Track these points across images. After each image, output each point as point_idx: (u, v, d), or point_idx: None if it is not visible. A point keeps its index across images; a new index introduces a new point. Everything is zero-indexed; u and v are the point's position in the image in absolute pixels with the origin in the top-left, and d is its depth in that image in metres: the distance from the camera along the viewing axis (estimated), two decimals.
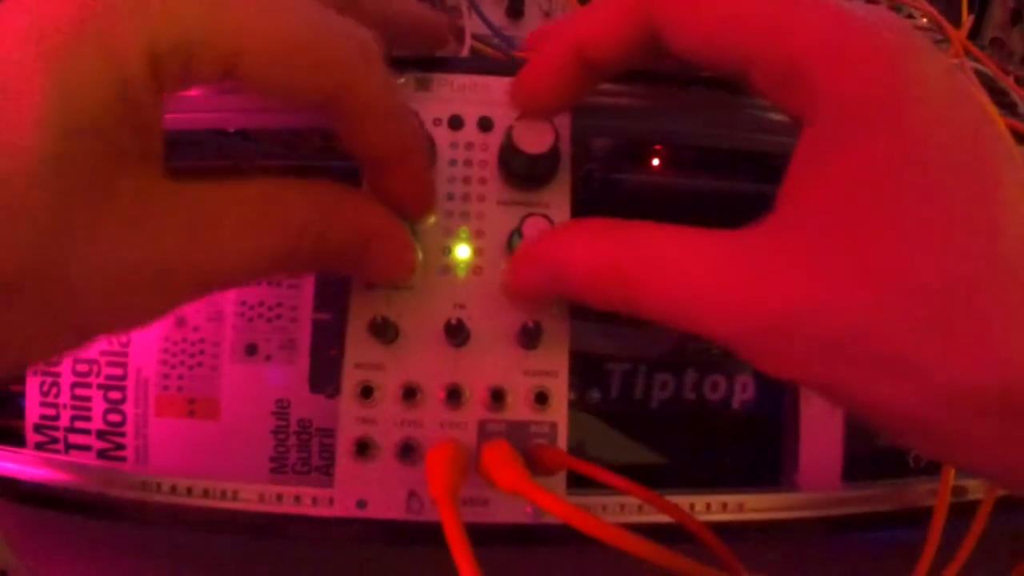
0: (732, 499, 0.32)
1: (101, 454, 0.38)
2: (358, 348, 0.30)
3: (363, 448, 0.30)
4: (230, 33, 0.22)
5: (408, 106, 0.28)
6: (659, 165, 0.38)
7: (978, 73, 0.53)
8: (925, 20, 0.65)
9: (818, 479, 0.37)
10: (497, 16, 0.57)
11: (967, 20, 0.64)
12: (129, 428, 0.38)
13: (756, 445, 0.40)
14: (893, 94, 0.22)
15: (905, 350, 0.21)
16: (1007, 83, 0.53)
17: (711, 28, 0.25)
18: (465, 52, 0.50)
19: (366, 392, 0.30)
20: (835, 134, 0.22)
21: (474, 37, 0.52)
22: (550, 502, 0.23)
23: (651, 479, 0.32)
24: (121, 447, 0.38)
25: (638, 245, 0.25)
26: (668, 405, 0.41)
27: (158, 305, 0.24)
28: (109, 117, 0.21)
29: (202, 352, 0.38)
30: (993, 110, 0.22)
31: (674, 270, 0.24)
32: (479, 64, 0.35)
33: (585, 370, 0.40)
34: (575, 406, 0.31)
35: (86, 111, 0.20)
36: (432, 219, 0.31)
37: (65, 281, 0.21)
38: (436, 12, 0.34)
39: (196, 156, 0.35)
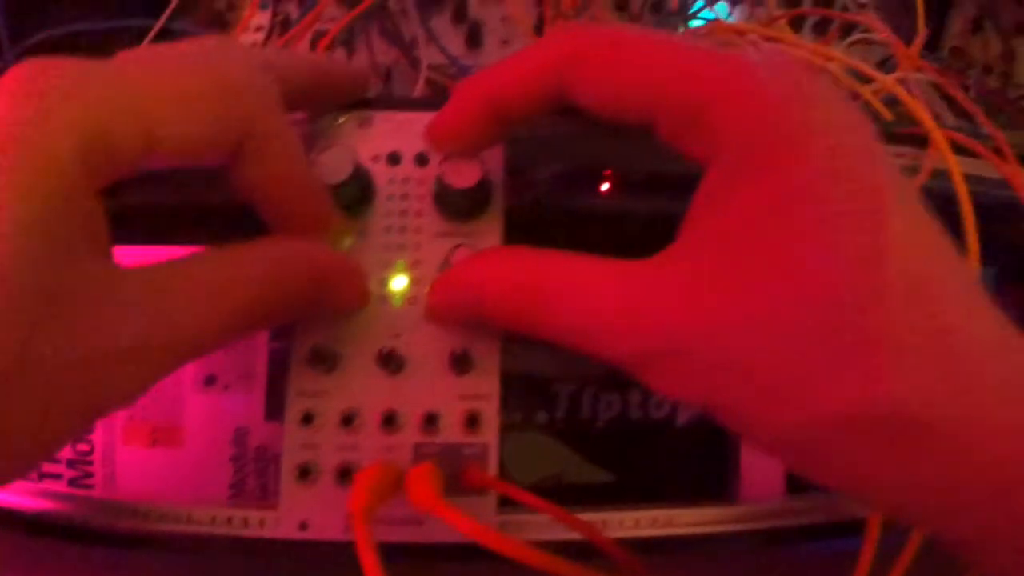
0: (661, 514, 0.34)
1: (72, 482, 0.39)
2: (300, 376, 0.32)
3: (305, 472, 0.31)
4: (141, 105, 0.25)
5: (299, 147, 0.30)
6: (598, 191, 0.40)
7: (932, 87, 0.55)
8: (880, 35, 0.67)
9: (760, 492, 0.38)
10: (456, 45, 0.59)
11: (920, 35, 0.65)
12: (97, 456, 0.40)
13: (702, 460, 0.41)
14: (782, 137, 0.23)
15: (787, 376, 0.22)
16: (958, 96, 0.54)
17: (620, 88, 0.26)
18: (420, 82, 0.52)
19: (307, 418, 0.31)
20: (730, 174, 0.24)
21: (432, 67, 0.54)
22: (456, 519, 0.24)
23: (602, 496, 0.33)
24: (90, 475, 0.39)
25: (547, 273, 0.26)
26: (615, 424, 0.42)
27: (141, 381, 0.25)
28: (56, 215, 0.23)
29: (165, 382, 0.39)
30: (883, 149, 0.24)
31: (577, 296, 0.25)
32: (416, 101, 0.37)
33: (533, 392, 0.41)
34: (523, 427, 0.32)
35: (37, 215, 0.22)
36: (349, 241, 0.32)
37: (53, 365, 0.22)
38: (353, 64, 0.36)
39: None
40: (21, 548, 0.39)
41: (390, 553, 0.25)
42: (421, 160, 0.34)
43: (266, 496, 0.39)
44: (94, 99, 0.24)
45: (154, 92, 0.25)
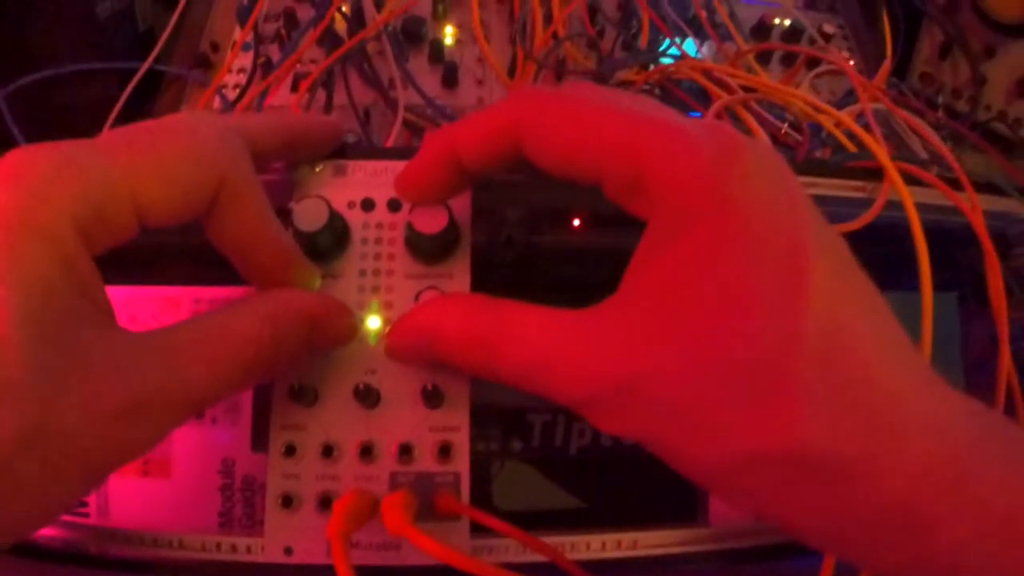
0: (627, 536, 0.36)
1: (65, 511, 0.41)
2: (282, 411, 0.34)
3: (288, 501, 0.33)
4: (130, 179, 0.27)
5: (265, 201, 0.32)
6: (559, 232, 0.42)
7: (896, 119, 0.56)
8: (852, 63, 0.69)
9: (728, 513, 0.39)
10: (432, 86, 0.61)
11: (885, 66, 0.67)
12: None
13: (672, 484, 0.43)
14: (709, 199, 0.25)
15: (710, 416, 0.24)
16: (920, 130, 0.56)
17: (564, 146, 0.28)
18: (397, 123, 0.54)
19: (290, 450, 0.33)
20: (663, 232, 0.26)
21: (409, 108, 0.56)
22: (424, 543, 0.26)
23: (575, 521, 0.35)
24: (84, 504, 0.41)
25: (500, 321, 0.28)
26: (586, 451, 0.44)
27: (147, 437, 0.27)
28: (60, 287, 0.25)
29: None
30: (811, 208, 0.26)
31: (528, 343, 0.27)
32: (389, 150, 0.39)
33: (508, 421, 0.43)
34: (499, 455, 0.34)
35: (40, 287, 0.24)
36: (317, 283, 0.34)
37: (63, 431, 0.24)
38: (322, 116, 0.38)
39: None
40: (21, 573, 0.40)
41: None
42: (393, 206, 0.36)
43: (253, 524, 0.40)
44: (85, 179, 0.26)
45: (137, 166, 0.28)
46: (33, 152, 0.26)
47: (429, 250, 0.35)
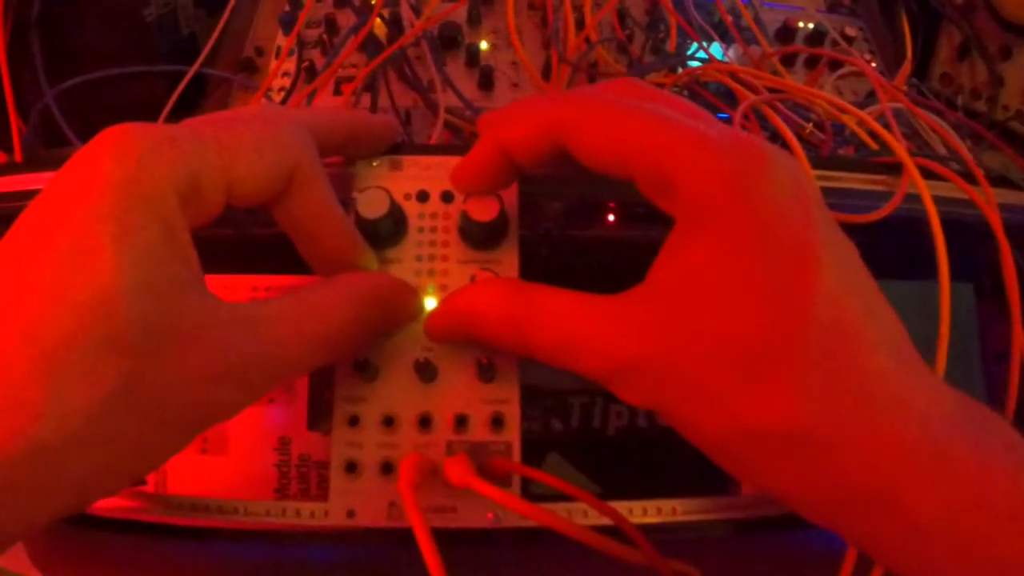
0: (666, 504, 0.38)
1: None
2: (345, 385, 0.36)
3: (351, 467, 0.35)
4: (220, 153, 0.30)
5: (331, 189, 0.35)
6: (598, 222, 0.44)
7: (915, 118, 0.58)
8: (874, 64, 0.70)
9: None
10: (469, 89, 0.63)
11: (905, 67, 0.69)
12: None
13: (705, 461, 0.45)
14: (732, 204, 0.27)
15: (717, 393, 0.27)
16: (938, 129, 0.58)
17: (602, 147, 0.30)
18: (439, 124, 0.56)
19: (353, 421, 0.36)
20: (689, 232, 0.28)
21: (448, 110, 0.58)
22: (492, 491, 0.29)
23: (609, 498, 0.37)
24: (143, 482, 0.44)
25: (533, 303, 0.31)
26: (624, 432, 0.46)
27: (239, 399, 0.30)
28: (162, 253, 0.27)
29: None
30: (825, 215, 0.28)
31: (557, 323, 0.30)
32: (441, 147, 0.41)
33: (549, 403, 0.45)
34: (541, 438, 0.36)
35: (144, 251, 0.26)
36: (375, 266, 0.37)
37: (164, 388, 0.26)
38: (382, 115, 0.41)
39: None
40: (83, 542, 0.43)
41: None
42: (446, 197, 0.39)
43: (309, 499, 0.43)
44: (185, 153, 0.28)
45: (228, 146, 0.30)
46: (133, 127, 0.28)
47: (481, 237, 0.37)
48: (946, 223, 0.42)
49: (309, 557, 0.39)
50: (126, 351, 0.25)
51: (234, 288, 0.45)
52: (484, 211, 0.36)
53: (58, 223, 0.26)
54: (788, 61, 0.70)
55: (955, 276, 0.41)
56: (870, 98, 0.66)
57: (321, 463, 0.44)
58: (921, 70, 0.78)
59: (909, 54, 0.71)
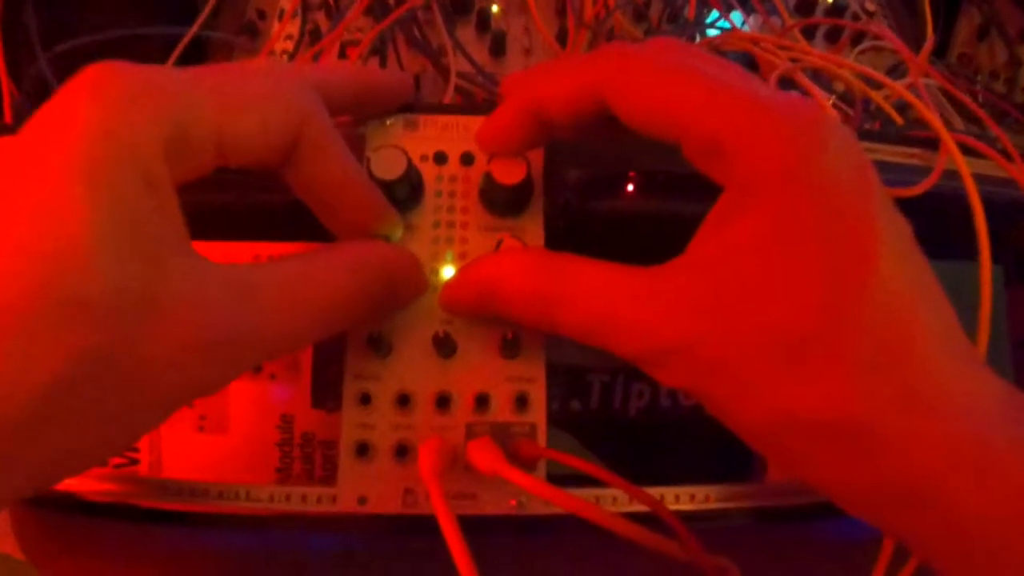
0: (699, 490, 0.36)
1: (117, 467, 0.41)
2: (356, 361, 0.34)
3: (363, 450, 0.33)
4: (211, 103, 0.27)
5: (347, 147, 0.32)
6: (625, 192, 0.42)
7: (940, 92, 0.56)
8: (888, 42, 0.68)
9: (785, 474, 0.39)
10: (480, 54, 0.61)
11: (928, 42, 0.67)
12: (144, 443, 0.41)
13: (729, 445, 0.43)
14: (788, 177, 0.26)
15: (763, 378, 0.25)
16: (965, 101, 0.56)
17: (649, 107, 0.28)
18: (450, 89, 0.53)
19: (364, 400, 0.33)
20: (738, 201, 0.27)
21: (459, 75, 0.56)
22: (522, 479, 0.26)
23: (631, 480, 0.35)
24: (136, 461, 0.41)
25: (562, 275, 0.29)
26: (645, 412, 0.44)
27: (223, 374, 0.27)
28: (142, 207, 0.24)
29: None
30: (884, 194, 0.26)
31: (590, 299, 0.28)
32: (460, 106, 0.39)
33: (568, 381, 0.43)
34: (558, 418, 0.34)
35: (122, 205, 0.23)
36: (399, 234, 0.34)
37: (138, 362, 0.23)
38: (394, 71, 0.38)
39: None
40: (74, 528, 0.40)
41: None
42: (466, 159, 0.36)
43: (312, 481, 0.41)
44: (171, 98, 0.25)
45: (224, 96, 0.27)
46: (118, 66, 0.25)
47: (505, 202, 0.35)
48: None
49: (315, 545, 0.36)
50: (98, 316, 0.22)
51: (236, 256, 0.42)
52: (510, 173, 0.33)
53: (27, 170, 0.23)
54: (807, 35, 0.69)
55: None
56: (889, 75, 0.65)
57: (326, 442, 0.41)
58: (940, 50, 0.76)
59: (930, 31, 0.69)
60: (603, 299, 0.28)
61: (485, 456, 0.29)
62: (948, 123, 0.55)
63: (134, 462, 0.41)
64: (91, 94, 0.24)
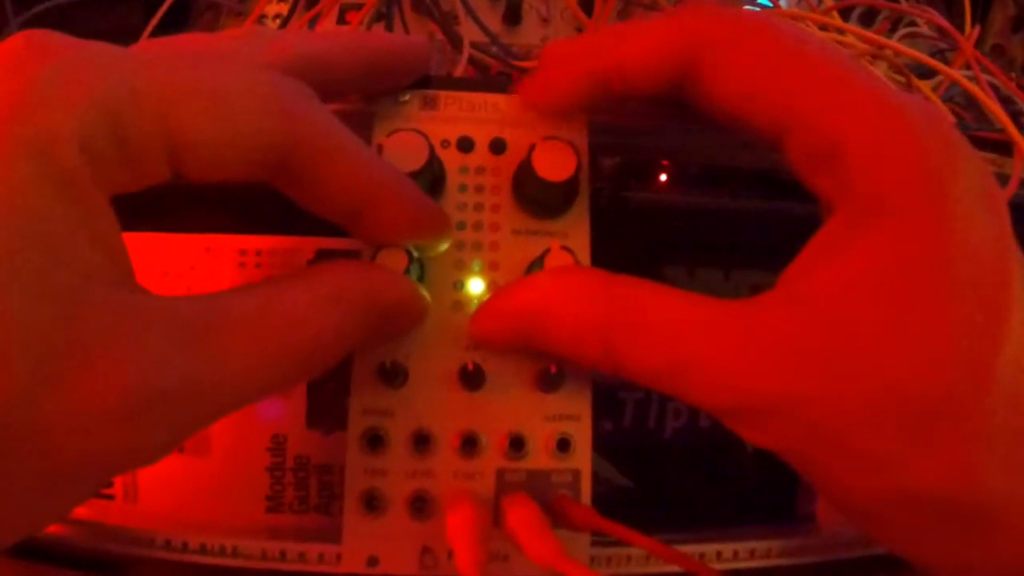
0: (743, 547, 0.32)
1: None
2: (365, 392, 0.28)
3: (371, 501, 0.28)
4: (159, 95, 0.21)
5: (361, 143, 0.26)
6: (667, 183, 0.37)
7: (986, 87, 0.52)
8: (927, 28, 0.65)
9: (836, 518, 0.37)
10: (494, 22, 0.56)
11: (974, 29, 0.63)
12: None
13: (773, 472, 0.38)
14: (929, 199, 0.22)
15: (878, 449, 0.22)
16: (1012, 91, 0.52)
17: (752, 92, 0.24)
18: (463, 60, 0.48)
19: (374, 441, 0.28)
20: (858, 226, 0.23)
21: (472, 45, 0.50)
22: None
23: (666, 507, 0.30)
24: (109, 484, 0.37)
25: (628, 307, 0.25)
26: (682, 434, 0.40)
27: (164, 440, 0.21)
28: (55, 222, 0.19)
29: None
30: (1011, 232, 0.23)
31: (664, 339, 0.24)
32: (488, 81, 0.33)
33: (598, 399, 0.39)
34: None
35: (26, 218, 0.18)
36: (445, 245, 0.29)
37: (45, 432, 0.18)
38: (408, 37, 0.33)
39: None
40: None
41: None
42: (496, 147, 0.31)
43: (306, 510, 0.36)
44: (106, 82, 0.20)
45: (179, 89, 0.21)
46: (41, 36, 0.21)
47: (546, 201, 0.29)
48: None
49: None
50: (11, 374, 0.17)
51: (217, 250, 0.37)
52: (558, 167, 0.28)
53: None
54: (842, 16, 0.64)
55: None
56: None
57: (322, 466, 0.36)
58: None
59: (968, 19, 0.66)
60: (681, 340, 0.24)
61: (538, 544, 0.24)
62: (984, 118, 0.51)
63: (107, 484, 0.37)
64: (6, 70, 0.20)
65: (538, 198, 0.29)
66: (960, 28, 0.64)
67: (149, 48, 0.24)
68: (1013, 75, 0.70)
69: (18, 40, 0.20)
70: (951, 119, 0.23)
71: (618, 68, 0.26)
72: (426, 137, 0.28)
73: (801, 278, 0.24)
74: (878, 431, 0.22)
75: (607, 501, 0.32)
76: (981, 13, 0.73)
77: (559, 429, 0.28)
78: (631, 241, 0.36)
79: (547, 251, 0.28)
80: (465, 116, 0.31)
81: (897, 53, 0.48)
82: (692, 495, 0.41)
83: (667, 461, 0.41)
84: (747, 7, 0.28)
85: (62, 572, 0.32)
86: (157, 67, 0.21)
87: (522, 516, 0.25)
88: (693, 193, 0.39)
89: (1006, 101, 0.55)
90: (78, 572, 0.32)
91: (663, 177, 0.39)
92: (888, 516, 0.23)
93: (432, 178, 0.29)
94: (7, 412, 0.18)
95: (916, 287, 0.22)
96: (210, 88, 0.22)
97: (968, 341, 0.22)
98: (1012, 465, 0.22)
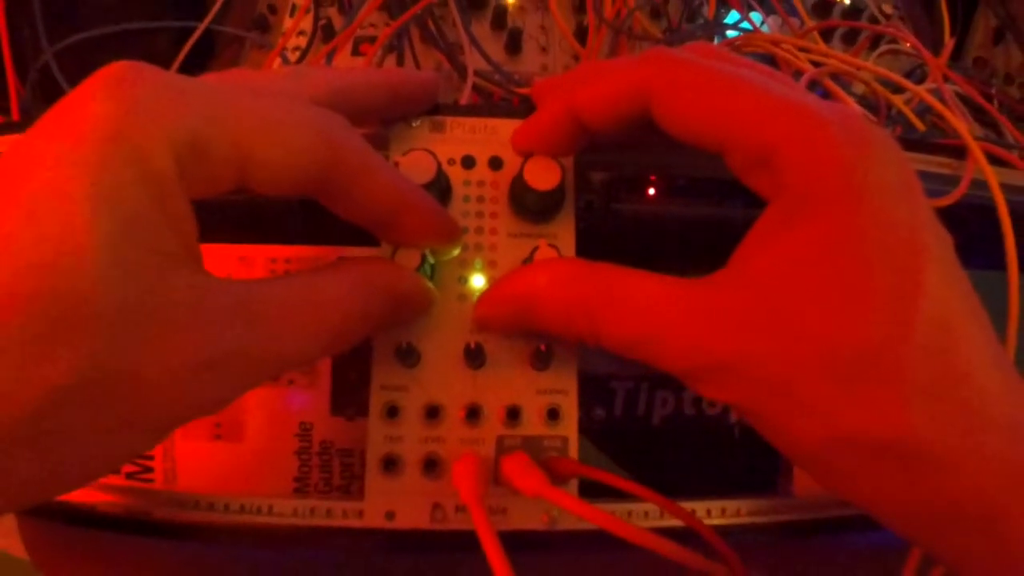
0: (731, 504, 0.35)
1: (130, 476, 0.40)
2: (383, 371, 0.33)
3: (390, 464, 0.32)
4: (233, 122, 0.25)
5: (387, 161, 0.30)
6: (651, 195, 0.41)
7: (959, 96, 0.56)
8: (908, 45, 0.68)
9: (811, 483, 0.39)
10: (496, 51, 0.60)
11: (947, 46, 0.67)
12: (157, 451, 0.40)
13: (753, 454, 0.42)
14: (840, 188, 0.25)
15: (815, 398, 0.25)
16: (986, 107, 0.56)
17: (696, 115, 0.28)
18: (468, 87, 0.53)
19: (392, 412, 0.32)
20: (789, 215, 0.26)
21: (476, 73, 0.55)
22: (571, 502, 0.25)
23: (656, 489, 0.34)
24: (149, 469, 0.40)
25: (606, 287, 0.28)
26: (669, 420, 0.43)
27: (223, 394, 0.26)
28: (149, 215, 0.23)
29: None
30: (929, 209, 0.26)
31: (636, 312, 0.28)
32: (488, 107, 0.38)
33: (591, 388, 0.42)
34: (581, 426, 0.34)
35: (128, 210, 0.22)
36: (457, 251, 0.34)
37: (135, 379, 0.22)
38: (422, 72, 0.37)
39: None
40: (89, 543, 0.40)
41: (474, 542, 0.26)
42: (495, 164, 0.35)
43: (330, 490, 0.40)
44: (192, 108, 0.24)
45: (249, 116, 0.26)
46: (138, 67, 0.24)
47: (537, 208, 0.34)
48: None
49: (334, 559, 0.36)
50: (96, 329, 0.21)
51: (250, 260, 0.41)
52: (545, 178, 0.32)
53: (32, 167, 0.22)
54: (824, 37, 0.68)
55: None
56: (907, 79, 0.64)
57: (344, 451, 0.40)
58: (955, 53, 0.76)
59: (947, 34, 0.69)
60: (650, 312, 0.27)
61: (525, 477, 0.28)
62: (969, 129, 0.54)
63: (147, 470, 0.40)
64: (107, 92, 0.23)
65: (530, 205, 0.34)
66: (941, 40, 0.68)
67: (220, 81, 0.28)
68: (995, 84, 0.72)
69: (119, 68, 0.24)
70: (867, 120, 0.27)
71: (588, 110, 0.30)
72: (434, 155, 0.33)
73: (745, 260, 0.27)
74: (815, 381, 0.25)
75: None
76: (963, 25, 0.75)
77: (550, 401, 0.33)
78: (615, 242, 0.40)
79: (536, 248, 0.32)
80: (468, 138, 0.36)
81: (873, 72, 0.51)
82: (679, 476, 0.44)
83: (655, 445, 0.44)
84: (700, 43, 0.32)
85: (110, 534, 0.36)
86: (231, 98, 0.26)
87: (516, 463, 0.29)
88: (669, 202, 0.42)
89: (978, 111, 0.59)
90: (125, 534, 0.35)
91: (644, 188, 0.43)
92: (830, 459, 0.26)
93: (440, 190, 0.34)
94: (108, 361, 0.21)
95: (836, 261, 0.25)
96: (274, 119, 0.26)
97: (887, 301, 0.25)
98: (936, 409, 0.24)
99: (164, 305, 0.23)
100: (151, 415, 0.24)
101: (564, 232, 0.34)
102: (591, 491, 0.31)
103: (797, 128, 0.26)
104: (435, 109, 0.36)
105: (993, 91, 0.70)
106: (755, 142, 0.27)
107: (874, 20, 0.70)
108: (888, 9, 0.72)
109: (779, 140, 0.26)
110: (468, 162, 0.35)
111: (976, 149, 0.42)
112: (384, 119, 0.36)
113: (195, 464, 0.40)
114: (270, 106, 0.26)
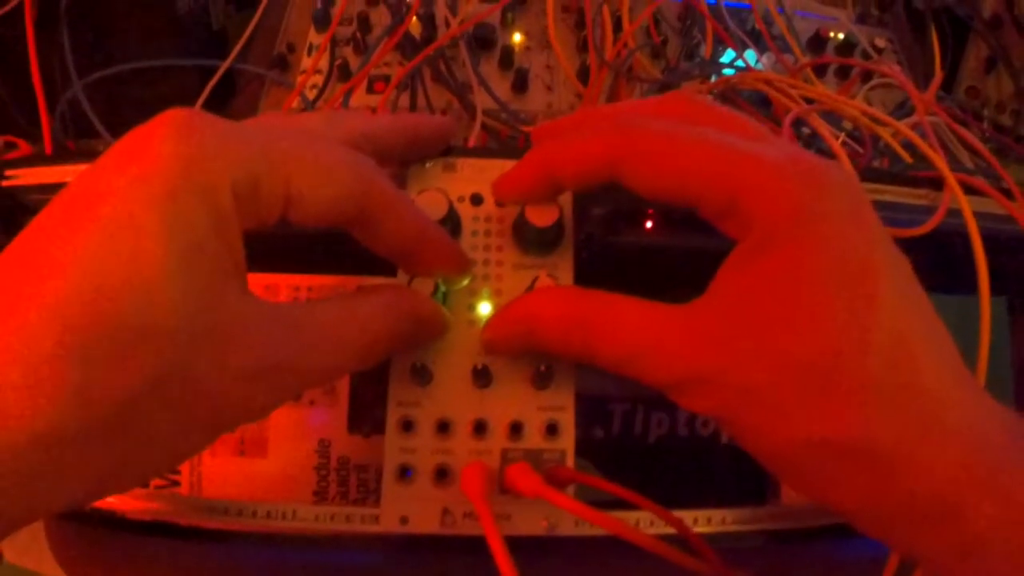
0: (716, 513, 0.38)
1: (158, 489, 0.43)
2: (399, 389, 0.36)
3: (404, 472, 0.35)
4: (284, 164, 0.29)
5: (413, 203, 0.34)
6: (646, 229, 0.44)
7: (945, 130, 0.58)
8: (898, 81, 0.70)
9: (797, 498, 0.42)
10: (503, 90, 0.63)
11: (937, 78, 0.68)
12: (184, 466, 0.43)
13: (744, 472, 0.45)
14: (799, 224, 0.28)
15: (782, 403, 0.28)
16: (975, 144, 0.58)
17: (664, 183, 0.30)
18: (477, 125, 0.56)
19: (407, 426, 0.36)
20: (754, 250, 0.29)
21: (484, 112, 0.58)
22: (567, 502, 0.29)
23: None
24: (176, 484, 0.43)
25: (600, 310, 0.31)
26: (664, 440, 0.46)
27: (270, 401, 0.29)
28: (210, 245, 0.26)
29: None
30: (883, 233, 0.29)
31: (625, 332, 0.31)
32: (495, 150, 0.41)
33: (591, 410, 0.45)
34: (580, 445, 0.36)
35: (193, 240, 0.25)
36: (466, 280, 0.37)
37: (196, 386, 0.26)
38: (439, 117, 0.41)
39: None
40: (116, 546, 0.42)
41: (479, 546, 0.29)
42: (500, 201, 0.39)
43: (347, 503, 0.43)
44: (249, 151, 0.28)
45: (298, 158, 0.29)
46: (199, 113, 0.27)
47: (537, 242, 0.37)
48: (983, 237, 0.42)
49: (352, 563, 0.38)
50: (165, 341, 0.24)
51: (274, 288, 0.44)
52: (543, 216, 0.35)
53: (104, 197, 0.25)
54: (819, 72, 0.70)
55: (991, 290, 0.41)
56: (899, 110, 0.67)
57: (360, 466, 0.43)
58: (947, 82, 0.78)
59: (938, 67, 0.71)
60: (638, 333, 0.30)
61: (527, 480, 0.31)
62: (954, 159, 0.56)
63: (175, 484, 0.43)
64: (174, 133, 0.26)
65: (531, 239, 0.37)
66: (932, 72, 0.70)
67: (268, 126, 0.31)
68: (987, 114, 0.75)
69: (184, 114, 0.27)
70: (819, 159, 0.30)
71: (560, 173, 0.33)
72: (446, 194, 0.36)
73: (720, 287, 0.30)
74: (784, 390, 0.27)
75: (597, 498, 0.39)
76: (955, 55, 0.77)
77: (549, 417, 0.36)
78: (614, 271, 0.43)
79: (536, 278, 0.36)
80: (476, 177, 0.39)
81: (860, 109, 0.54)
82: (672, 491, 0.46)
83: (651, 464, 0.46)
84: (670, 96, 0.34)
85: (138, 538, 0.39)
86: (281, 142, 0.29)
87: (518, 470, 0.32)
88: (660, 234, 0.45)
89: (964, 143, 0.61)
90: (153, 537, 0.38)
91: (642, 222, 0.46)
92: (801, 463, 0.28)
93: (451, 226, 0.37)
94: (175, 371, 0.25)
95: (797, 282, 0.28)
96: (320, 161, 0.30)
97: (842, 316, 0.27)
98: (897, 415, 0.27)
99: (222, 323, 0.26)
100: (207, 419, 0.27)
101: (563, 263, 0.38)
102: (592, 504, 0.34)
103: (754, 178, 0.29)
104: (447, 150, 0.40)
105: (984, 123, 0.72)
106: (719, 196, 0.29)
107: (867, 55, 0.72)
108: (881, 43, 0.73)
109: (739, 191, 0.29)
110: (476, 199, 0.39)
111: (951, 179, 0.44)
112: (403, 160, 0.39)
113: (220, 478, 0.43)
114: (314, 149, 0.30)
